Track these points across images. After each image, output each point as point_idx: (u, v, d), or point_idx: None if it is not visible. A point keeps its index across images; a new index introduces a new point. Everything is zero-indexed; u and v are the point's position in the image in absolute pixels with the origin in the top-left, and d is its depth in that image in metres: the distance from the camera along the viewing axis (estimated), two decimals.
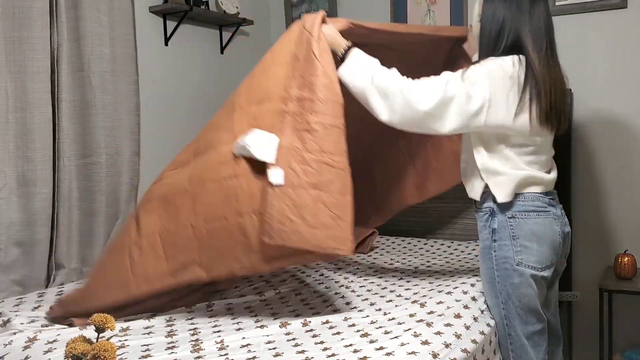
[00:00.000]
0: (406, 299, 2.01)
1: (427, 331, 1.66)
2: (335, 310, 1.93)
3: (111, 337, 1.46)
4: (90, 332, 1.37)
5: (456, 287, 2.06)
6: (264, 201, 1.69)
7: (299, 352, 1.56)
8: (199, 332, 1.76)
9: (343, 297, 2.09)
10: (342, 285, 2.23)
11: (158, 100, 2.85)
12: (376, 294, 2.10)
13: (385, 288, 2.17)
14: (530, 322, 1.82)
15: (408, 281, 2.25)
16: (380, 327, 1.73)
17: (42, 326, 1.80)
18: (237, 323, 1.84)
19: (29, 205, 2.23)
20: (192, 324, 1.86)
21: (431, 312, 1.84)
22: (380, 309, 1.91)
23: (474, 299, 1.96)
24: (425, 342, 1.59)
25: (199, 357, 1.56)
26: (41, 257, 2.28)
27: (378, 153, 2.67)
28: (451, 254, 2.71)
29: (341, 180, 1.70)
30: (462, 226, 2.99)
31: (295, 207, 1.66)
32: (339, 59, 1.82)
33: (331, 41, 1.82)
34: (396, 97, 1.72)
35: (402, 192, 2.66)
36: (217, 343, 1.65)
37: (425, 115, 1.71)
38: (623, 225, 2.79)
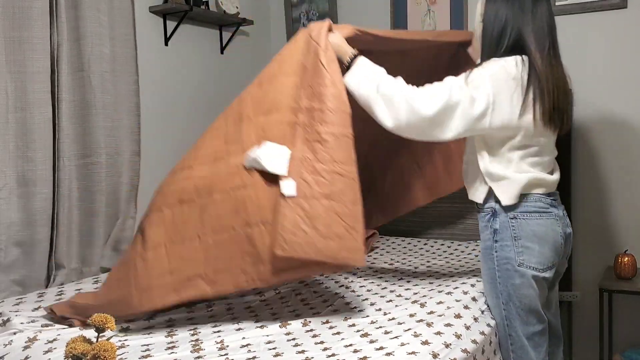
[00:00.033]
0: (406, 299, 2.01)
1: (427, 331, 1.66)
2: (335, 310, 1.93)
3: (111, 337, 1.46)
4: (90, 332, 1.37)
5: (456, 288, 2.06)
6: (276, 212, 1.68)
7: (299, 352, 1.56)
8: (199, 332, 1.76)
9: (343, 297, 2.09)
10: (342, 285, 2.23)
11: (158, 100, 2.85)
12: (376, 294, 2.10)
13: (386, 288, 2.17)
14: (531, 323, 1.82)
15: (408, 281, 2.25)
16: (381, 327, 1.73)
17: (42, 326, 1.79)
18: (237, 323, 1.84)
19: (29, 205, 2.23)
20: (192, 324, 1.86)
21: (431, 312, 1.84)
22: (380, 309, 1.91)
23: (474, 299, 1.96)
24: (425, 342, 1.59)
25: (199, 357, 1.56)
26: (41, 257, 2.28)
27: (379, 153, 2.66)
28: (451, 254, 2.71)
29: (352, 190, 1.69)
30: (463, 226, 2.99)
31: (308, 218, 1.65)
32: (345, 67, 1.83)
33: (337, 49, 1.82)
34: (401, 104, 1.72)
35: (410, 192, 2.63)
36: (217, 343, 1.65)
37: (431, 121, 1.71)
38: (623, 226, 2.79)
